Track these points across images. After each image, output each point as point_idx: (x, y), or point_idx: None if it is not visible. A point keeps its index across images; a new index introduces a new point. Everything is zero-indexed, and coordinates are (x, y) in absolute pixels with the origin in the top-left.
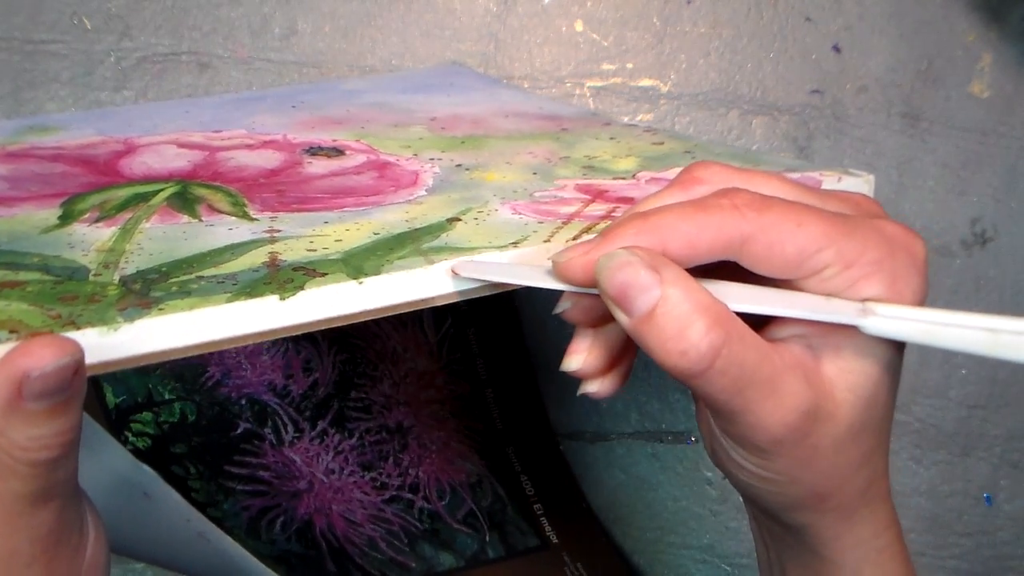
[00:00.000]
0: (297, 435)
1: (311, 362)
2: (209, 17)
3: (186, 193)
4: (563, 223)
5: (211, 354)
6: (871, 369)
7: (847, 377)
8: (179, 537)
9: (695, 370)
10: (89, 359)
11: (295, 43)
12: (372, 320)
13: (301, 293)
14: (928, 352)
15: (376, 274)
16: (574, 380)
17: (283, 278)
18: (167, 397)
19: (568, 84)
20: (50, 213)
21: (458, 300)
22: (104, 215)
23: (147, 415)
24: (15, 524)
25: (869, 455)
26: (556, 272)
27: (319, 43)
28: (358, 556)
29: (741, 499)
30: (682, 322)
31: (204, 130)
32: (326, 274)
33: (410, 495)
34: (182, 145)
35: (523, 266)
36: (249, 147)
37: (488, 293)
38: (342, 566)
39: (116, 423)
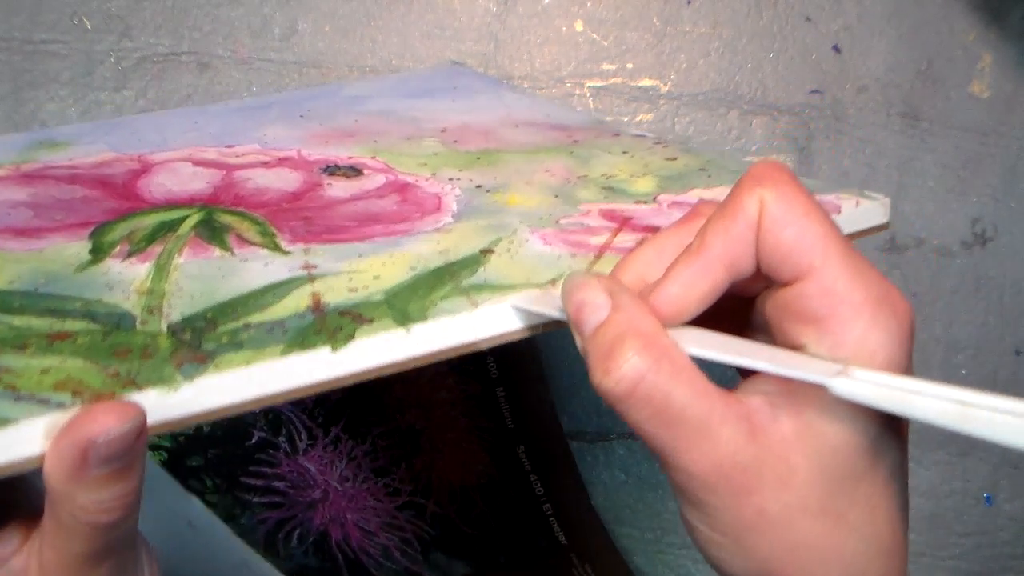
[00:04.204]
0: (311, 442)
1: None
2: (209, 17)
3: (212, 221)
4: (596, 257)
5: None
6: (835, 439)
7: (806, 442)
8: (221, 568)
9: (616, 392)
10: (149, 419)
11: (295, 43)
12: None
13: (352, 343)
14: (928, 351)
15: (423, 319)
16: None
17: (332, 326)
18: None
19: (568, 84)
20: (80, 246)
21: (501, 343)
22: (135, 249)
23: None
24: None
25: (842, 553)
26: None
27: (319, 43)
28: (374, 568)
29: None
30: (615, 343)
31: (217, 144)
32: (372, 320)
33: (422, 500)
34: (197, 163)
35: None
36: (265, 164)
37: (530, 335)
38: None
39: None
